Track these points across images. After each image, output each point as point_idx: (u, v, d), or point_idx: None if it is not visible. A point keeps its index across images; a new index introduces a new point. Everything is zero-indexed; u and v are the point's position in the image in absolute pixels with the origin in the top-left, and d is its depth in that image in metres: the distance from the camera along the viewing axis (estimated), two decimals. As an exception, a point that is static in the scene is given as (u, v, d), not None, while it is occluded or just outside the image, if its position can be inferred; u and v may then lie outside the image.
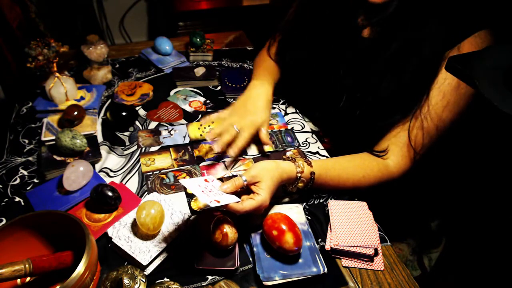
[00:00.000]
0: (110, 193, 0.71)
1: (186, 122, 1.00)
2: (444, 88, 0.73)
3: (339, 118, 0.91)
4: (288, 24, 1.00)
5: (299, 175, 0.71)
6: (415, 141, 0.76)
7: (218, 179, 0.83)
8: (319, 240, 0.71)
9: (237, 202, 0.64)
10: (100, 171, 0.84)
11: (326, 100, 0.93)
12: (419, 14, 0.73)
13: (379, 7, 0.74)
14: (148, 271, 0.64)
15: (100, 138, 0.93)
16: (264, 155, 0.91)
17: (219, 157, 0.89)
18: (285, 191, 0.78)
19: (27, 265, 0.54)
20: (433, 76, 0.74)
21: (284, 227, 0.64)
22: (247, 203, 0.63)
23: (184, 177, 0.83)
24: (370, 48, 0.81)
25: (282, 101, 1.09)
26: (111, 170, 0.84)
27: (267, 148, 0.93)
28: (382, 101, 0.80)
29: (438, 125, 0.74)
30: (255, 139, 0.89)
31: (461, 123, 0.76)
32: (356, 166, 0.78)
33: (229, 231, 0.64)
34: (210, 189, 0.64)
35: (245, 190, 0.68)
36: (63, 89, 0.98)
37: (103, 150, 0.89)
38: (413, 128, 0.76)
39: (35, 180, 0.82)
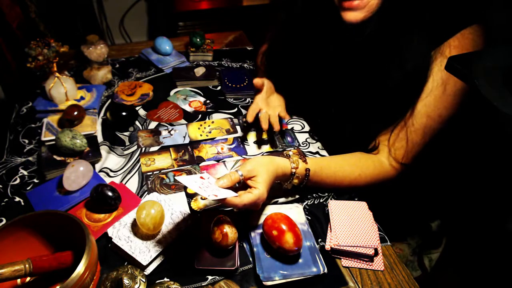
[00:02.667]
0: (110, 193, 0.71)
1: (186, 122, 1.00)
2: (431, 88, 0.73)
3: (329, 126, 0.92)
4: (276, 36, 1.02)
5: (293, 170, 0.71)
6: (402, 141, 0.77)
7: None
8: (319, 240, 0.71)
9: (235, 196, 0.63)
10: (100, 171, 0.84)
11: (316, 108, 0.94)
12: (398, 29, 0.73)
13: (358, 26, 0.74)
14: (148, 271, 0.64)
15: (100, 138, 0.93)
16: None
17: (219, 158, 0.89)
18: (281, 189, 0.77)
19: (27, 265, 0.54)
20: (422, 78, 0.73)
21: (284, 227, 0.64)
22: (245, 197, 0.63)
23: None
24: (354, 61, 0.81)
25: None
26: (111, 170, 0.84)
27: (267, 149, 0.93)
28: (369, 108, 0.80)
29: (425, 126, 0.74)
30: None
31: (459, 123, 0.76)
32: (351, 165, 0.78)
33: (229, 231, 0.64)
34: (207, 186, 0.64)
35: (241, 187, 0.68)
36: (63, 89, 0.98)
37: (103, 150, 0.89)
38: (401, 130, 0.77)
39: (35, 180, 0.82)
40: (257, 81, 0.93)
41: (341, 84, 0.86)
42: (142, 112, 1.03)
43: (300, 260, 0.66)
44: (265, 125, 0.89)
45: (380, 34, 0.75)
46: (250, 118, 0.91)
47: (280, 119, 0.93)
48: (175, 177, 0.67)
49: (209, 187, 0.64)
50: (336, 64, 0.87)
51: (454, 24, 0.71)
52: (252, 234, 0.70)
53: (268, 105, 0.96)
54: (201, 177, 0.67)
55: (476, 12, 0.71)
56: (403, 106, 0.76)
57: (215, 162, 0.88)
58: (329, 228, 0.73)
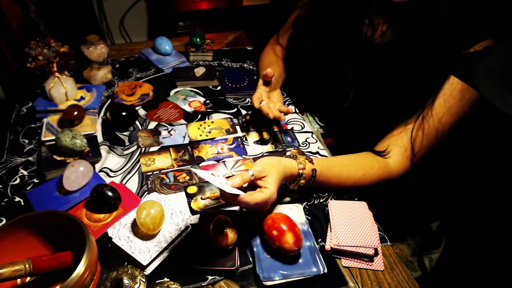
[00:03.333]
0: (110, 193, 0.71)
1: (185, 122, 1.00)
2: (449, 93, 0.74)
3: (344, 115, 0.91)
4: (302, 11, 1.01)
5: (301, 171, 0.71)
6: (414, 142, 0.77)
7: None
8: (319, 240, 0.71)
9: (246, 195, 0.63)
10: (100, 171, 0.84)
11: (333, 96, 0.93)
12: (431, 31, 0.74)
13: (400, 6, 0.74)
14: (148, 271, 0.64)
15: (100, 138, 0.93)
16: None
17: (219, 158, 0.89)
18: (286, 190, 0.77)
19: (27, 265, 0.54)
20: (440, 81, 0.75)
21: (284, 227, 0.64)
22: (257, 195, 0.62)
23: (184, 177, 0.83)
24: (380, 50, 0.82)
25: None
26: (111, 170, 0.84)
27: (267, 149, 0.93)
28: (387, 101, 0.81)
29: (438, 128, 0.75)
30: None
31: (462, 126, 0.76)
32: (356, 165, 0.78)
33: (229, 231, 0.64)
34: (219, 182, 0.64)
35: (249, 188, 0.68)
36: (63, 89, 0.98)
37: (103, 150, 0.89)
38: (414, 129, 0.77)
39: (35, 180, 0.82)
40: (270, 71, 0.92)
41: (363, 71, 0.86)
42: (142, 112, 1.03)
43: (300, 260, 0.66)
44: (271, 114, 0.88)
45: (413, 33, 0.76)
46: (256, 103, 0.90)
47: (279, 121, 0.93)
48: (191, 169, 0.67)
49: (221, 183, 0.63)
50: (361, 54, 0.87)
51: (477, 33, 0.72)
52: (252, 234, 0.70)
53: (269, 98, 0.96)
54: (212, 174, 0.66)
55: (498, 24, 0.72)
56: (421, 102, 0.77)
57: (215, 162, 0.88)
58: (329, 228, 0.73)
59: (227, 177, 0.65)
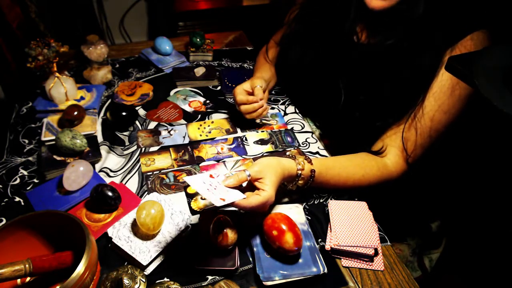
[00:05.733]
0: (110, 193, 0.71)
1: (185, 122, 1.00)
2: (439, 91, 0.74)
3: (338, 119, 0.91)
4: (287, 29, 1.03)
5: (299, 172, 0.71)
6: (407, 143, 0.78)
7: None
8: (319, 240, 0.71)
9: (243, 198, 0.63)
10: (100, 171, 0.84)
11: (326, 102, 0.94)
12: (421, 23, 0.74)
13: (379, 13, 0.75)
14: (148, 271, 0.64)
15: (100, 138, 0.93)
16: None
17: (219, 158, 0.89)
18: (284, 190, 0.77)
19: (27, 265, 0.54)
20: (429, 80, 0.75)
21: (284, 227, 0.64)
22: (253, 199, 0.62)
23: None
24: (367, 53, 0.82)
25: (281, 101, 1.09)
26: (111, 170, 0.84)
27: (267, 149, 0.93)
28: (378, 103, 0.81)
29: (431, 127, 0.75)
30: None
31: (459, 124, 0.76)
32: (355, 166, 0.78)
33: (229, 231, 0.64)
34: (215, 186, 0.63)
35: (248, 187, 0.68)
36: (63, 89, 0.98)
37: (103, 150, 0.89)
38: (406, 129, 0.78)
39: (35, 180, 0.82)
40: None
41: (351, 76, 0.87)
42: (142, 112, 1.03)
43: (300, 260, 0.66)
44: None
45: (404, 31, 0.76)
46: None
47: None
48: (184, 178, 0.65)
49: (217, 188, 0.63)
50: (348, 54, 0.87)
51: (466, 26, 0.72)
52: (252, 234, 0.70)
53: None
54: (211, 176, 0.66)
55: (487, 16, 0.72)
56: (411, 102, 0.77)
57: (215, 162, 0.88)
58: (329, 228, 0.73)
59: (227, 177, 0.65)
